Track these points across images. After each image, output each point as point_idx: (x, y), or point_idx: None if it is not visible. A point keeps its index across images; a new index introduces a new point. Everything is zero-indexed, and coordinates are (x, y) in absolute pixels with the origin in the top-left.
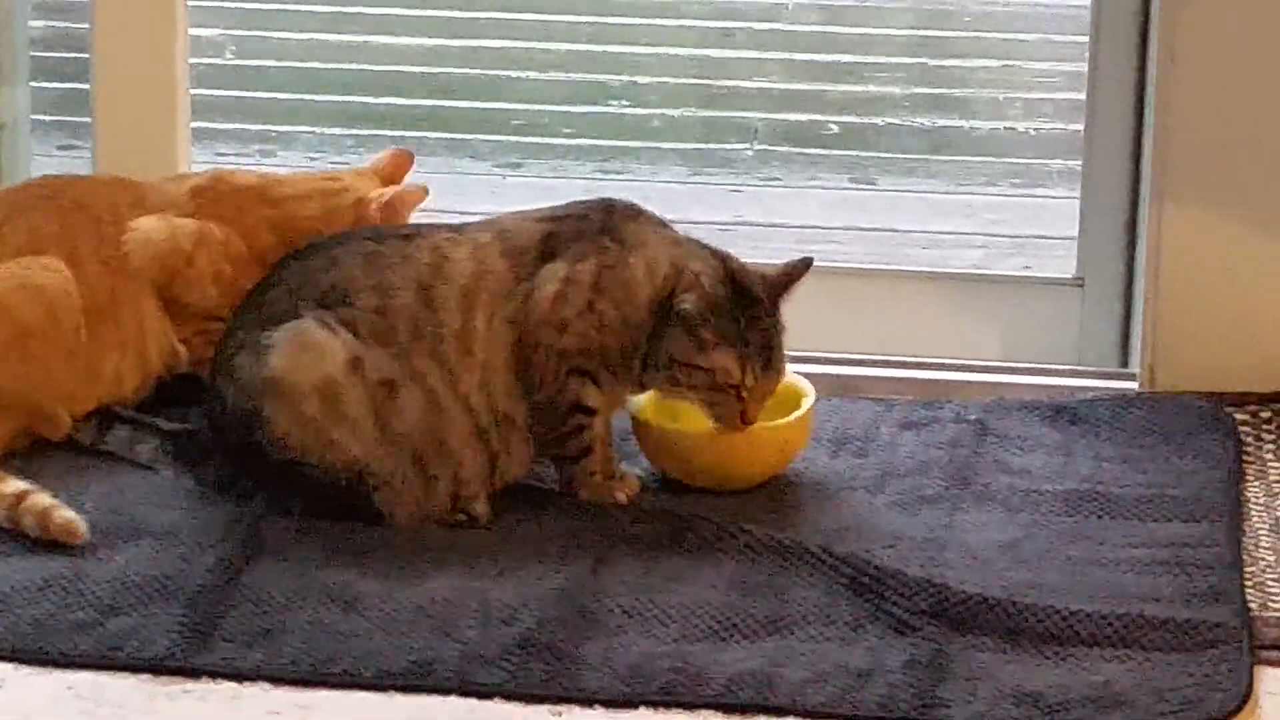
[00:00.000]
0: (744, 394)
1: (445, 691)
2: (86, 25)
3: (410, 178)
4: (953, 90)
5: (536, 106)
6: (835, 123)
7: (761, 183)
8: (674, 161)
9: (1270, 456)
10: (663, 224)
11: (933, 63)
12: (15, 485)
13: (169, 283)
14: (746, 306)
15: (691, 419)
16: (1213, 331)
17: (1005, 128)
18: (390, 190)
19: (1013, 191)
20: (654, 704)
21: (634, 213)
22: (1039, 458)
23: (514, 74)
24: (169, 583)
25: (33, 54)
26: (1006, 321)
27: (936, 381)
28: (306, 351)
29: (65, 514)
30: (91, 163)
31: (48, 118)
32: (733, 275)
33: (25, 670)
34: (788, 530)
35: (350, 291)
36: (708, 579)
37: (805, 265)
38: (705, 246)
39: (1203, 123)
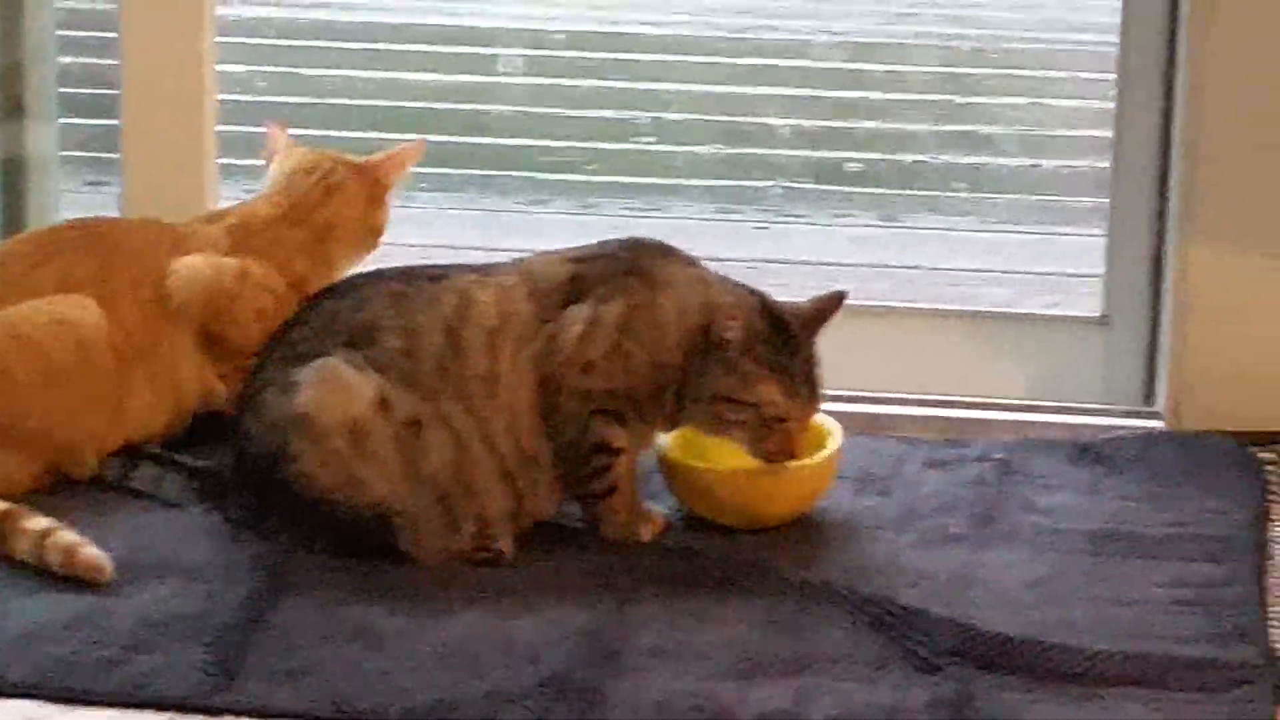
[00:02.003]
0: (790, 426)
1: None
2: (116, 61)
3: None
4: (979, 127)
5: (564, 143)
6: (862, 160)
7: (787, 220)
8: (700, 198)
9: None
10: (691, 262)
11: (959, 100)
12: (41, 522)
13: (214, 321)
14: (785, 338)
15: (719, 457)
16: (1238, 371)
17: (1031, 165)
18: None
19: (1039, 229)
20: None
21: (662, 252)
22: (1064, 496)
23: (541, 110)
24: (194, 621)
25: (61, 90)
26: (1032, 360)
27: (961, 420)
28: (335, 390)
29: (91, 551)
30: (120, 199)
31: (77, 154)
32: (767, 309)
33: (50, 708)
34: (813, 569)
35: (377, 332)
36: (733, 617)
37: (838, 299)
38: (736, 283)
39: (1229, 161)
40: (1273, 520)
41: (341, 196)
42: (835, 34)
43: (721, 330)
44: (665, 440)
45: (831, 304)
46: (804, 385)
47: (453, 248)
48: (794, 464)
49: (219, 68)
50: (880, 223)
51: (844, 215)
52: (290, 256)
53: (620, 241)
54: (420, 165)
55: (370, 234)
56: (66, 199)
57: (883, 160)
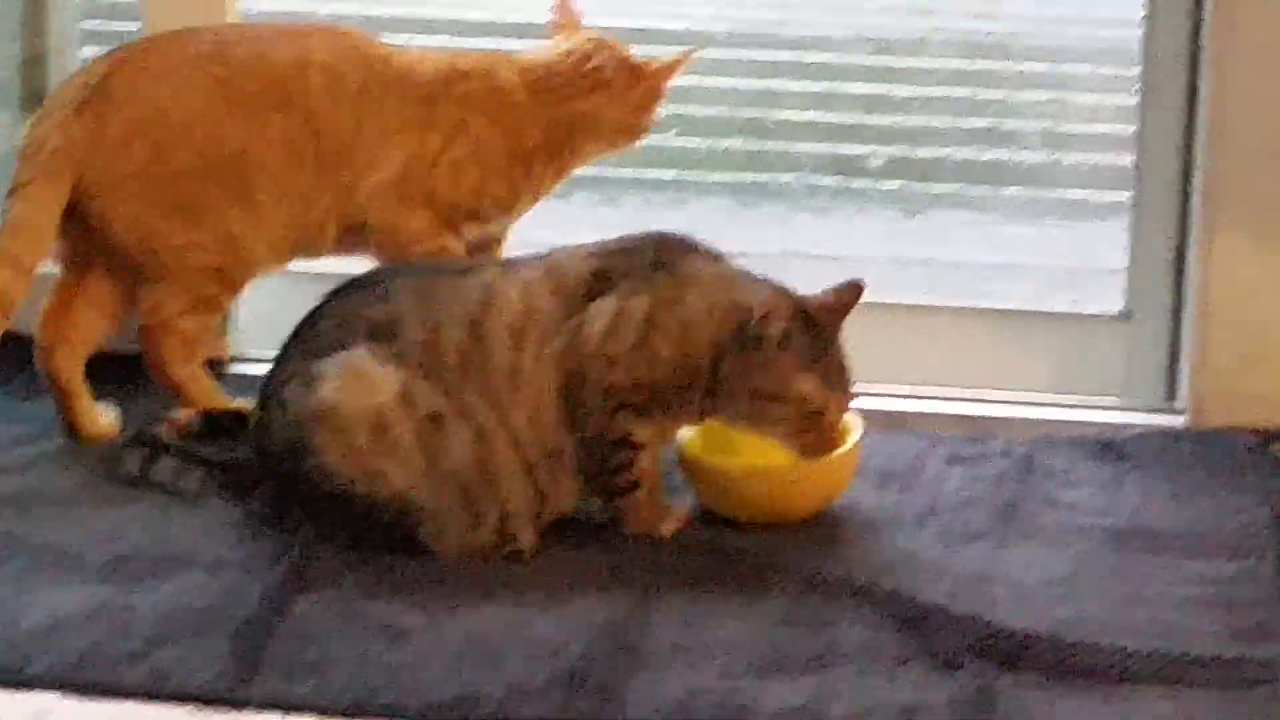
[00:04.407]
0: (828, 418)
1: None
2: None
3: None
4: (1001, 122)
5: None
6: (884, 155)
7: (809, 214)
8: (721, 192)
9: None
10: (716, 256)
11: (981, 94)
12: None
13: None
14: (817, 332)
15: (739, 451)
16: (1261, 367)
17: (1053, 160)
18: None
19: (1061, 224)
20: None
21: (687, 246)
22: (1086, 493)
23: None
24: (215, 614)
25: None
26: (1054, 356)
27: (983, 416)
28: (357, 382)
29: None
30: None
31: None
32: (796, 303)
33: (72, 700)
34: (834, 565)
35: (400, 325)
36: (753, 614)
37: (858, 289)
38: (762, 278)
39: (1253, 156)
40: None
41: (606, 93)
42: (856, 28)
43: (760, 328)
44: (685, 435)
45: (852, 293)
46: (838, 376)
47: None
48: (815, 460)
49: None
50: (902, 218)
51: (866, 210)
52: (526, 128)
53: (644, 235)
54: None
55: (624, 134)
56: None
57: (905, 155)
